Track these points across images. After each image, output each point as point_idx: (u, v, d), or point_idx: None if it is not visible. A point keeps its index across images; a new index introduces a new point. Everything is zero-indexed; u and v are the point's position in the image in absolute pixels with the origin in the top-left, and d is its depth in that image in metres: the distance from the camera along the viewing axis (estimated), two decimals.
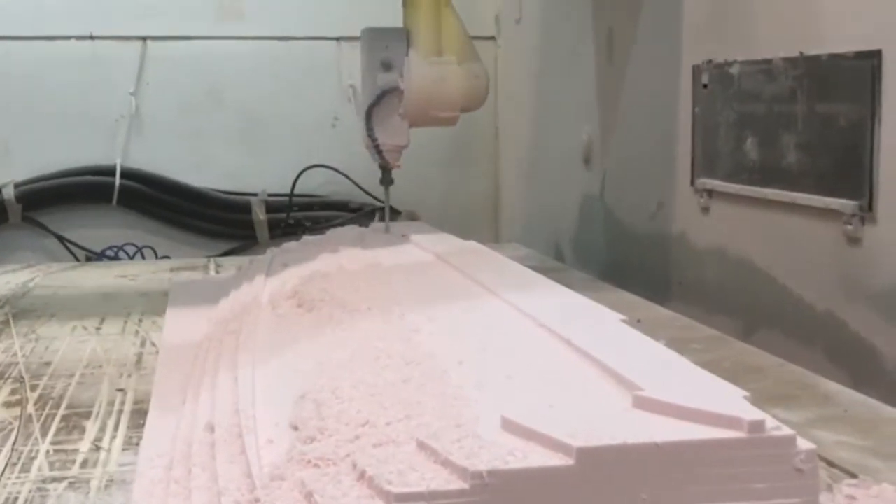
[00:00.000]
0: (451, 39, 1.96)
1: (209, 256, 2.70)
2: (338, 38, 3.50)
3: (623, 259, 2.40)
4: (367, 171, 3.57)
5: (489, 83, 2.01)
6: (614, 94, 2.44)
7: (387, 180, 2.01)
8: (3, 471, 1.00)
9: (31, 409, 1.21)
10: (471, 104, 1.99)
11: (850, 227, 1.52)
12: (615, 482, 0.74)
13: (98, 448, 1.07)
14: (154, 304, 1.81)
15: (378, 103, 1.92)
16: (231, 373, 1.10)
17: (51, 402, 1.24)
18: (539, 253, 2.60)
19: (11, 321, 1.70)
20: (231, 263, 2.24)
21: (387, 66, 1.92)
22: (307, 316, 1.31)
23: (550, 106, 2.92)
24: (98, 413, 1.19)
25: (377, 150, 1.93)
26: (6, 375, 1.36)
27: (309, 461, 0.79)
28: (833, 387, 1.29)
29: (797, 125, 1.65)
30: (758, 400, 0.88)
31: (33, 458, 1.04)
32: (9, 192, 3.38)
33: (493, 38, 3.45)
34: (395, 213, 3.53)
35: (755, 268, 1.81)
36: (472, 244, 1.86)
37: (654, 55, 2.20)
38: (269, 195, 3.53)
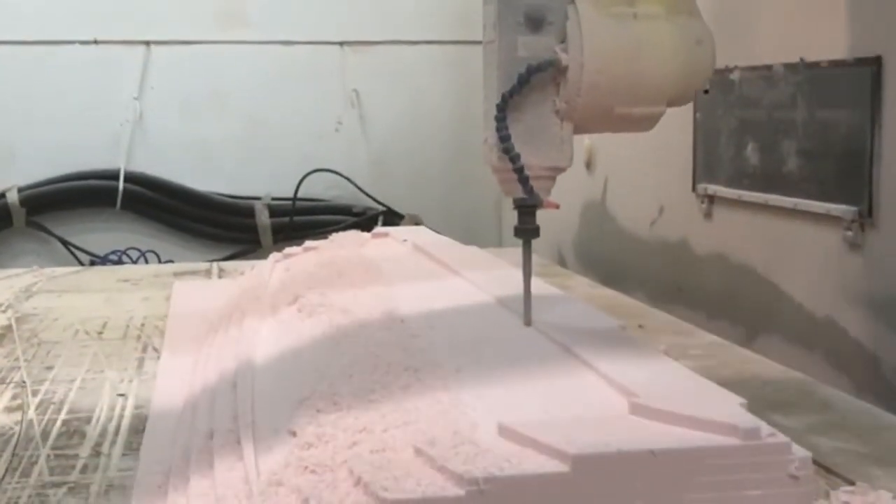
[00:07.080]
0: None
1: (212, 260, 2.70)
2: (341, 43, 3.51)
3: (625, 264, 2.40)
4: (370, 176, 3.59)
5: (715, 53, 1.14)
6: None
7: (529, 230, 1.16)
8: (4, 475, 1.00)
9: (32, 414, 1.21)
10: (687, 89, 1.13)
11: (850, 233, 1.52)
12: (610, 489, 0.75)
13: (98, 453, 1.07)
14: (156, 308, 1.81)
15: (519, 91, 1.07)
16: (230, 379, 1.11)
17: (52, 408, 1.24)
18: (541, 258, 2.60)
19: (14, 325, 1.71)
20: (234, 267, 2.24)
21: (535, 23, 1.06)
22: (307, 321, 1.31)
23: None
24: (99, 418, 1.20)
25: (518, 175, 1.10)
26: (8, 380, 1.37)
27: (306, 467, 0.80)
28: (832, 393, 1.29)
29: (798, 131, 1.65)
30: (757, 406, 0.88)
31: (34, 463, 1.04)
32: (13, 197, 3.39)
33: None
34: (397, 218, 3.53)
35: (756, 273, 1.81)
36: (474, 249, 1.87)
37: None
38: (273, 199, 3.54)
